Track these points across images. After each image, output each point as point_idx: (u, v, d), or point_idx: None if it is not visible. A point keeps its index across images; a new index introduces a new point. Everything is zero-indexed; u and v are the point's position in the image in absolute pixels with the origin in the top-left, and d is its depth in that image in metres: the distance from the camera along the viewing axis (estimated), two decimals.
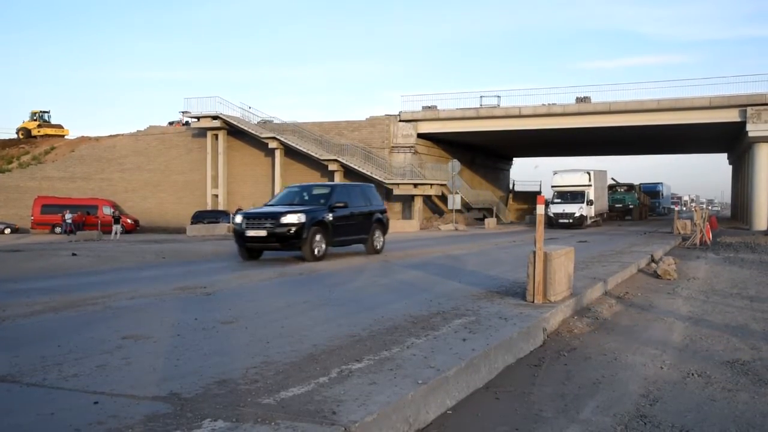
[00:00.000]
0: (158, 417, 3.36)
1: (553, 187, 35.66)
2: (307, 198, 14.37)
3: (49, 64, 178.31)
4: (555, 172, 35.87)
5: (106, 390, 3.87)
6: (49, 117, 53.34)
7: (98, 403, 3.63)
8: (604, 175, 39.14)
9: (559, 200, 34.39)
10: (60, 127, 53.07)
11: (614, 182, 49.06)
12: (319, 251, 13.12)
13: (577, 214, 32.72)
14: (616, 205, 47.12)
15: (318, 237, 13.07)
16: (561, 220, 32.86)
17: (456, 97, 41.69)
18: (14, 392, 3.92)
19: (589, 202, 33.79)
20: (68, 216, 36.53)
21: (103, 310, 7.13)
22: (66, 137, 51.43)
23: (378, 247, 15.02)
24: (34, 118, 52.62)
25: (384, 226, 15.51)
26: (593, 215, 34.57)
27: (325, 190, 14.71)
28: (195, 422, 3.27)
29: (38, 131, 51.55)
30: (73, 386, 3.99)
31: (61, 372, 4.32)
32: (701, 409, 4.19)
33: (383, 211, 15.74)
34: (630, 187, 49.25)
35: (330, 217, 13.49)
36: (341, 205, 13.85)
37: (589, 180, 34.58)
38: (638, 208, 48.06)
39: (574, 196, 33.60)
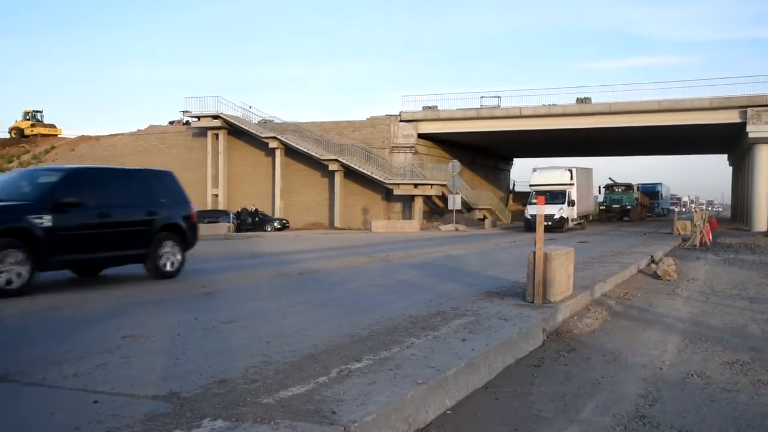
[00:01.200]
0: (158, 416, 3.36)
1: (531, 186, 33.06)
2: (27, 190, 8.99)
3: (50, 62, 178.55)
4: (534, 170, 33.35)
5: (105, 389, 3.87)
6: (42, 116, 53.45)
7: (98, 402, 3.63)
8: (588, 173, 36.37)
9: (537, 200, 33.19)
10: (53, 126, 53.13)
11: (612, 182, 48.37)
12: (11, 281, 7.88)
13: (556, 216, 29.40)
14: (613, 206, 45.94)
15: (11, 256, 7.90)
16: None
17: (456, 98, 41.41)
18: (14, 391, 3.93)
19: (571, 203, 30.91)
20: None
21: (102, 309, 7.13)
22: (59, 136, 51.50)
23: (169, 268, 10.07)
24: (27, 117, 52.73)
25: (183, 237, 10.44)
26: (575, 217, 31.71)
27: (53, 178, 9.20)
28: (194, 421, 3.27)
29: (31, 131, 51.63)
30: (73, 385, 3.99)
31: (60, 371, 4.33)
32: (700, 409, 4.19)
33: (187, 216, 10.55)
34: (628, 187, 47.91)
35: (46, 221, 8.35)
36: (73, 201, 8.77)
37: (571, 178, 31.69)
38: (636, 209, 46.62)
39: (554, 195, 30.23)
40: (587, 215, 35.17)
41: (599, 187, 47.21)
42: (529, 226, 29.48)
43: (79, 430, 3.20)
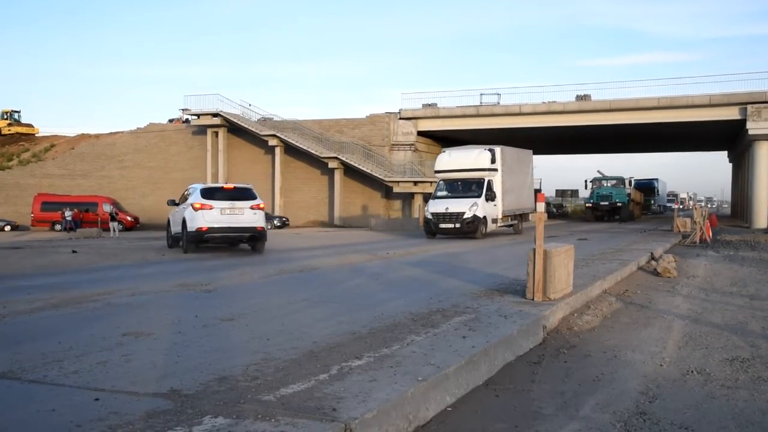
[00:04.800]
0: (159, 413, 3.37)
1: (436, 172, 23.38)
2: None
3: (49, 60, 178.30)
4: (443, 151, 24.04)
5: (106, 386, 3.88)
6: (19, 116, 53.92)
7: (99, 399, 3.64)
8: (523, 156, 25.56)
9: (444, 193, 22.33)
10: (30, 126, 53.65)
11: (600, 175, 44.14)
12: None
13: (467, 216, 20.61)
14: (601, 203, 40.62)
15: None
16: (443, 225, 21.08)
17: (456, 95, 41.49)
18: (15, 389, 3.93)
19: (491, 196, 21.58)
20: (68, 213, 36.60)
21: (103, 307, 7.14)
22: (36, 135, 52.08)
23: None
24: (4, 117, 53.01)
25: None
26: (500, 216, 22.22)
27: None
28: (195, 418, 3.28)
29: (9, 130, 52.06)
30: (74, 383, 4.00)
31: (61, 369, 4.33)
32: (700, 406, 4.20)
33: None
34: (619, 181, 42.12)
35: None
36: None
37: (493, 161, 21.90)
38: (628, 206, 40.77)
39: (467, 186, 21.88)
40: (523, 214, 24.98)
41: (585, 181, 44.09)
42: (430, 230, 21.62)
43: (81, 428, 3.21)
